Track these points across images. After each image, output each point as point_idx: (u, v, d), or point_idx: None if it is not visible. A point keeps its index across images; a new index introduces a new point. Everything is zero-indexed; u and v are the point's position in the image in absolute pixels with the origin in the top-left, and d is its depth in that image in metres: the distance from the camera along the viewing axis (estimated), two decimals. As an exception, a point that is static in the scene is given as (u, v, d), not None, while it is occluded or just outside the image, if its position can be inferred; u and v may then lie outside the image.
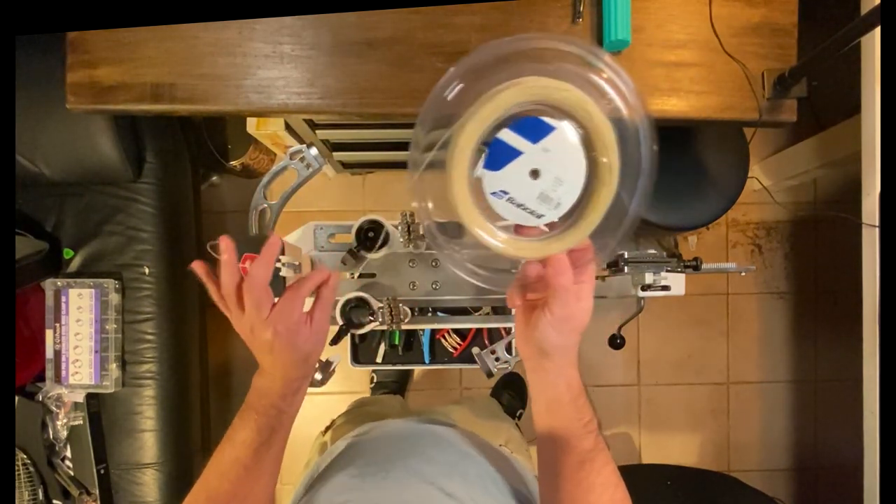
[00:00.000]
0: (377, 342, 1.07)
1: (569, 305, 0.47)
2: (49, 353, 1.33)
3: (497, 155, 0.45)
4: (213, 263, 0.57)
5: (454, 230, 0.51)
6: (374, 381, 1.81)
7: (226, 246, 0.53)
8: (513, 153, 0.45)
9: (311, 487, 0.61)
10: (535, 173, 0.45)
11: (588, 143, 0.45)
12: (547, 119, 0.44)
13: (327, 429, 0.95)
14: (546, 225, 0.47)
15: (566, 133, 0.45)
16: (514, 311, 0.53)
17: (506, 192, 0.45)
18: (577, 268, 0.47)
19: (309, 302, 0.58)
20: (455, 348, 1.07)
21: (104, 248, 1.36)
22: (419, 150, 0.47)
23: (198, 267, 0.55)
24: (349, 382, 1.85)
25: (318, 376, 0.69)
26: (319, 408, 1.23)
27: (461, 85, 0.46)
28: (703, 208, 1.35)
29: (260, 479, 0.55)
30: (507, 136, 0.44)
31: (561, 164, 0.45)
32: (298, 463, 0.83)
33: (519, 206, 0.45)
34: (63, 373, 1.33)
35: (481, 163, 0.45)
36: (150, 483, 1.38)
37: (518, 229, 0.48)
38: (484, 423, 0.91)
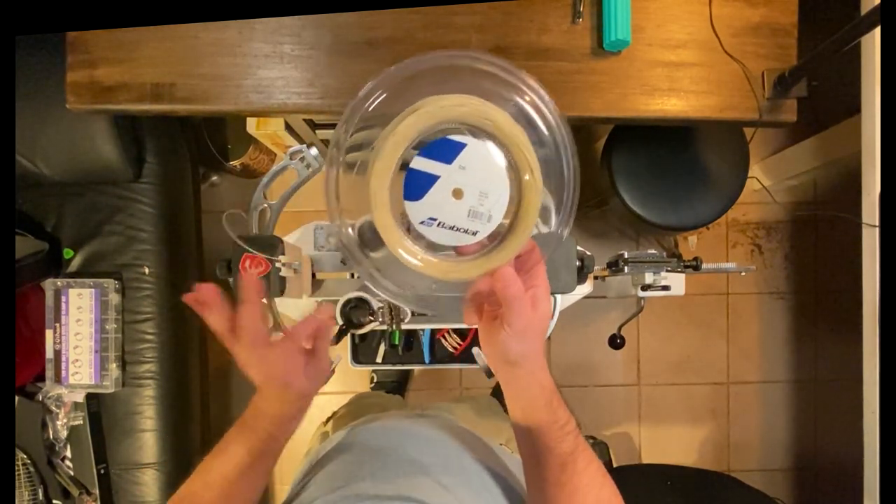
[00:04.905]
0: (377, 342, 1.07)
1: (524, 315, 0.46)
2: (49, 353, 1.33)
3: (415, 184, 0.44)
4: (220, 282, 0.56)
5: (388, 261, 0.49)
6: (374, 381, 1.81)
7: (208, 293, 0.52)
8: (430, 179, 0.44)
9: (308, 473, 0.61)
10: (457, 193, 0.44)
11: (505, 150, 0.45)
12: (455, 137, 0.44)
13: (328, 419, 0.95)
14: (487, 238, 0.46)
15: (478, 146, 0.44)
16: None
17: (434, 219, 0.45)
18: (526, 272, 0.47)
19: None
20: (455, 348, 1.07)
21: (104, 248, 1.36)
22: (342, 152, 0.46)
23: (189, 300, 0.53)
24: (349, 382, 1.85)
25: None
26: (319, 408, 1.23)
27: (384, 95, 0.45)
28: (703, 208, 1.35)
29: (243, 495, 0.55)
30: (420, 163, 0.44)
31: (481, 177, 0.44)
32: (297, 463, 0.83)
33: (451, 228, 0.45)
34: (63, 373, 1.33)
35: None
36: (150, 483, 1.38)
37: (459, 249, 0.47)
38: (485, 421, 0.91)
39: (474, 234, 0.45)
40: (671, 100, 0.96)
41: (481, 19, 0.94)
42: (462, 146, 0.44)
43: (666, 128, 1.32)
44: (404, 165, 0.45)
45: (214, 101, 0.94)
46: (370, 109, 0.45)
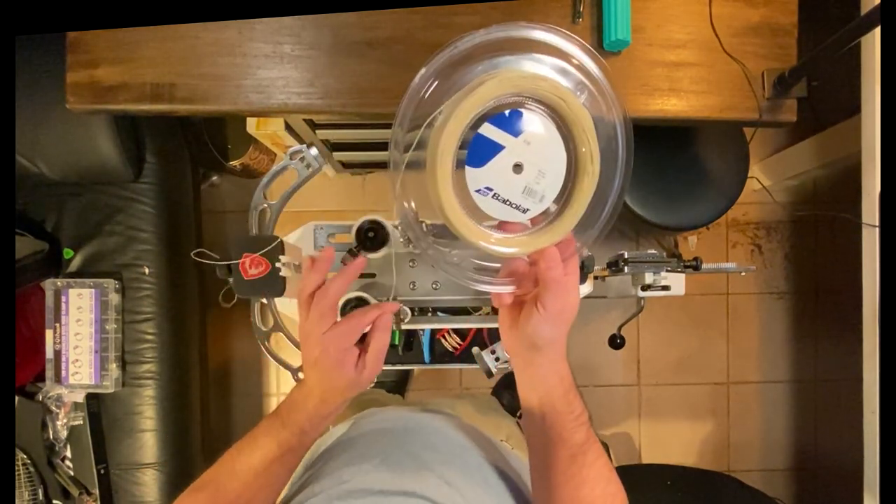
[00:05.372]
0: (377, 342, 1.07)
1: (561, 299, 0.47)
2: (49, 353, 1.33)
3: (479, 151, 0.44)
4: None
5: (439, 230, 0.50)
6: (374, 380, 1.80)
7: (327, 256, 0.55)
8: (495, 148, 0.44)
9: (310, 468, 0.61)
10: (518, 167, 0.44)
11: (566, 133, 0.45)
12: (526, 111, 0.44)
13: None
14: (529, 220, 0.47)
15: (547, 124, 0.44)
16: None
17: (490, 189, 0.45)
18: (563, 260, 0.48)
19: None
20: (455, 348, 1.07)
21: (104, 248, 1.36)
22: (399, 150, 0.46)
23: (307, 261, 0.56)
24: (349, 382, 1.84)
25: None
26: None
27: (436, 82, 0.45)
28: (703, 208, 1.35)
29: (267, 487, 0.56)
30: (489, 130, 0.44)
31: (543, 156, 0.44)
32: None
33: (504, 201, 0.45)
34: (63, 373, 1.33)
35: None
36: (150, 483, 1.38)
37: (501, 226, 0.47)
38: (485, 418, 0.91)
39: (525, 211, 0.45)
40: (671, 100, 0.96)
41: (481, 19, 0.94)
42: (531, 121, 0.44)
43: (666, 128, 1.32)
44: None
45: (214, 101, 0.94)
46: (426, 97, 0.45)
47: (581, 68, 0.46)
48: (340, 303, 0.80)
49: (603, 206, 0.47)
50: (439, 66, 0.45)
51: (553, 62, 0.46)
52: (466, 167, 0.44)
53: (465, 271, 0.50)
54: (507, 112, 0.44)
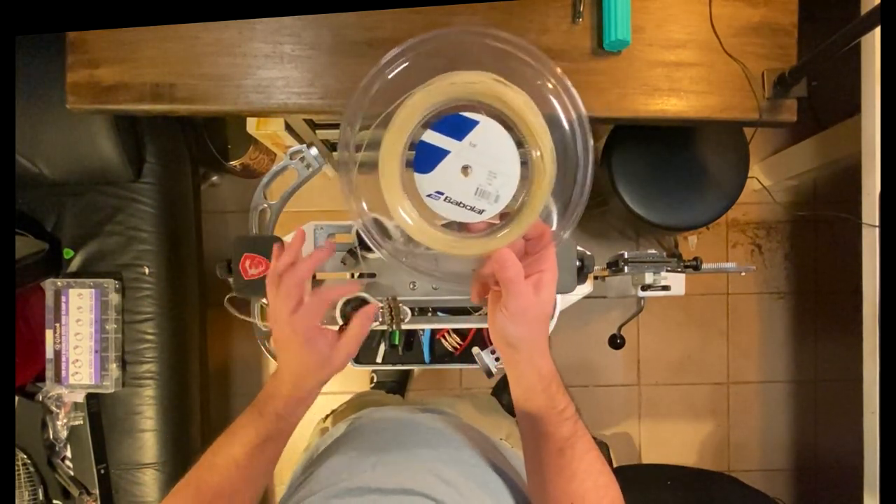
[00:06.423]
0: (377, 342, 1.07)
1: (521, 298, 0.46)
2: (49, 353, 1.33)
3: (425, 157, 0.45)
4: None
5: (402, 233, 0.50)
6: (374, 381, 1.81)
7: (301, 235, 0.57)
8: (440, 153, 0.45)
9: (309, 468, 0.61)
10: (466, 170, 0.45)
11: (518, 132, 0.45)
12: (467, 114, 0.44)
13: (328, 416, 0.95)
14: (498, 218, 0.47)
15: (491, 125, 0.44)
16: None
17: (441, 193, 0.45)
18: (533, 255, 0.47)
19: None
20: (455, 348, 1.07)
21: (104, 248, 1.36)
22: (349, 150, 0.46)
23: (277, 248, 0.58)
24: (349, 382, 1.85)
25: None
26: (319, 406, 1.23)
27: (406, 63, 0.45)
28: (703, 208, 1.35)
29: (249, 479, 0.56)
30: (431, 136, 0.44)
31: (492, 157, 0.44)
32: (295, 463, 0.83)
33: (457, 204, 0.45)
34: (63, 373, 1.33)
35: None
36: (150, 483, 1.38)
37: (467, 226, 0.47)
38: (485, 417, 0.92)
39: (480, 212, 0.45)
40: (671, 100, 0.96)
41: (481, 19, 0.94)
42: (474, 123, 0.44)
43: (666, 128, 1.32)
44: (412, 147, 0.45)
45: (214, 101, 0.94)
46: (389, 77, 0.45)
47: (532, 67, 0.46)
48: (341, 302, 0.80)
49: (566, 203, 0.47)
50: (382, 69, 0.45)
51: (501, 66, 0.45)
52: (415, 174, 0.45)
53: (428, 272, 0.50)
54: (448, 116, 0.44)
